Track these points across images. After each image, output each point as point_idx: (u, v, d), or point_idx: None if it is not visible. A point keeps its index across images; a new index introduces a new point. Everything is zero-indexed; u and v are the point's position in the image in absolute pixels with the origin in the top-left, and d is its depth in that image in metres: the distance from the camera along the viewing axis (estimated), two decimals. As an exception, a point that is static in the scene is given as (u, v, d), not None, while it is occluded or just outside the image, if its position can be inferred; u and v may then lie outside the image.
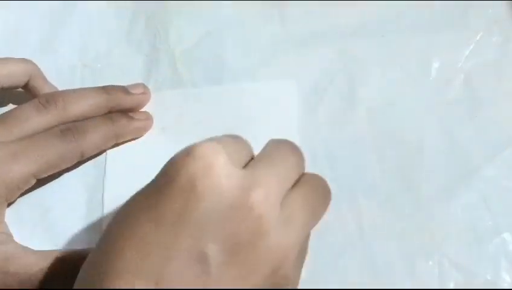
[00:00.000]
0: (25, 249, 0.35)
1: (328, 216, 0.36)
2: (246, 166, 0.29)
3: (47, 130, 0.37)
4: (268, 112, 0.40)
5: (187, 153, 0.27)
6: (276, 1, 0.44)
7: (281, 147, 0.31)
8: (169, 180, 0.27)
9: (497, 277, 0.34)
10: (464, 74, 0.40)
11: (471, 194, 0.36)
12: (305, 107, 0.40)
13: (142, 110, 0.41)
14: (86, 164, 0.39)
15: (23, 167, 0.35)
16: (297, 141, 0.38)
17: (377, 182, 0.37)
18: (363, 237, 0.36)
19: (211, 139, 0.28)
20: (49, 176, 0.37)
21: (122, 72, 0.44)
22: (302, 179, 0.30)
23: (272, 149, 0.30)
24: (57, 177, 0.39)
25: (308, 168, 0.38)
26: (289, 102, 0.40)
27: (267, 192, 0.27)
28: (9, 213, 0.37)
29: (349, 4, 0.43)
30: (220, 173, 0.26)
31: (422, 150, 0.38)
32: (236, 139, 0.31)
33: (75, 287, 0.27)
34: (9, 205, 0.37)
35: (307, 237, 0.31)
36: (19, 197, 0.37)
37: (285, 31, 0.43)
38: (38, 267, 0.34)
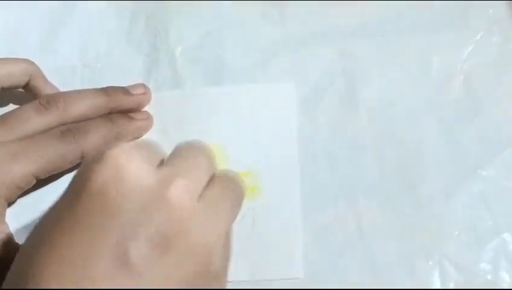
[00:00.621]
0: None
1: (328, 216, 0.37)
2: (160, 165, 0.29)
3: (47, 131, 0.37)
4: (267, 113, 0.40)
5: (98, 159, 0.27)
6: (276, 1, 0.44)
7: (191, 148, 0.31)
8: (82, 188, 0.27)
9: (497, 277, 0.34)
10: (464, 74, 0.40)
11: (471, 194, 0.36)
12: (305, 107, 0.40)
13: (143, 110, 0.41)
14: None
15: (23, 167, 0.35)
16: (295, 144, 0.39)
17: (377, 182, 0.37)
18: (363, 237, 0.36)
19: (121, 145, 0.28)
20: (49, 176, 0.37)
21: (122, 72, 0.44)
22: (215, 177, 0.30)
23: (183, 149, 0.31)
24: (57, 178, 0.38)
25: (308, 168, 0.38)
26: (288, 104, 0.40)
27: (185, 185, 0.27)
28: (10, 213, 0.37)
29: (349, 4, 0.43)
30: (134, 175, 0.27)
31: (422, 150, 0.38)
32: (148, 141, 0.31)
33: (3, 287, 0.28)
34: (9, 205, 0.37)
35: (228, 232, 0.30)
36: (19, 197, 0.37)
37: (285, 31, 0.43)
38: None
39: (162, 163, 0.30)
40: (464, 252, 0.35)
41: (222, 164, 0.33)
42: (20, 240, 0.36)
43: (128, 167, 0.27)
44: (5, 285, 0.27)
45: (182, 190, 0.27)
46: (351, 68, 0.41)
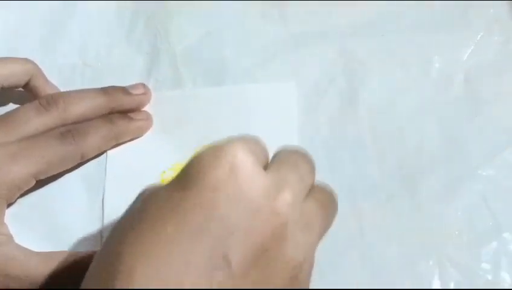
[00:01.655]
0: (26, 251, 0.35)
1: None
2: (267, 169, 0.28)
3: (47, 132, 0.37)
4: (268, 113, 0.40)
5: (214, 152, 0.26)
6: (276, 1, 0.44)
7: (295, 154, 0.30)
8: (195, 181, 0.25)
9: (497, 277, 0.34)
10: (464, 73, 0.40)
11: (471, 194, 0.36)
12: (306, 107, 0.40)
13: (142, 110, 0.41)
14: (86, 164, 0.39)
15: (23, 168, 0.35)
16: (296, 143, 0.38)
17: (377, 182, 0.37)
18: (363, 237, 0.36)
19: (237, 139, 0.27)
20: (49, 176, 0.37)
21: (123, 71, 0.44)
22: (315, 190, 0.30)
23: (288, 155, 0.30)
24: (57, 178, 0.39)
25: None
26: (289, 104, 0.40)
27: (292, 197, 0.26)
28: (9, 213, 0.37)
29: (350, 4, 0.43)
30: (247, 177, 0.26)
31: (422, 150, 0.38)
32: (256, 139, 0.29)
33: (83, 287, 0.26)
34: (8, 205, 0.37)
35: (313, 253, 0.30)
36: (18, 197, 0.37)
37: (286, 31, 0.43)
38: (39, 270, 0.34)
39: (267, 165, 0.29)
40: (464, 252, 0.35)
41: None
42: (19, 240, 0.36)
43: (244, 167, 0.26)
44: (86, 282, 0.26)
45: (288, 203, 0.26)
46: (351, 68, 0.41)
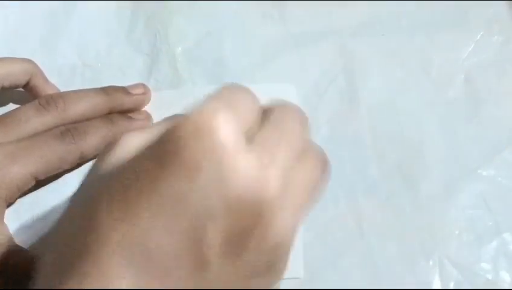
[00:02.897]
0: (25, 252, 0.35)
1: (328, 215, 0.37)
2: (254, 139, 0.25)
3: (47, 132, 0.37)
4: None
5: (194, 131, 0.24)
6: (276, 1, 0.44)
7: (287, 115, 0.27)
8: (172, 160, 0.24)
9: (497, 277, 0.34)
10: (464, 73, 0.40)
11: (471, 194, 0.36)
12: (306, 107, 0.40)
13: (142, 110, 0.41)
14: (86, 164, 0.39)
15: (22, 168, 0.35)
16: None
17: (377, 182, 0.37)
18: (363, 237, 0.36)
19: (221, 107, 0.24)
20: (49, 176, 0.37)
21: (122, 71, 0.44)
22: (307, 153, 0.27)
23: (279, 118, 0.27)
24: (57, 178, 0.39)
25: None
26: None
27: (276, 177, 0.24)
28: (9, 213, 0.37)
29: (350, 4, 0.43)
30: (229, 158, 0.24)
31: (423, 149, 0.38)
32: (244, 94, 0.27)
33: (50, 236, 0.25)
34: (8, 205, 0.37)
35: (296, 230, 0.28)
36: (18, 197, 0.37)
37: (286, 31, 0.43)
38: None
39: (255, 127, 0.26)
40: (464, 252, 0.35)
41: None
42: (19, 240, 0.36)
43: (226, 148, 0.24)
44: (60, 234, 0.25)
45: (273, 184, 0.24)
46: (351, 67, 0.41)
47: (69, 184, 0.39)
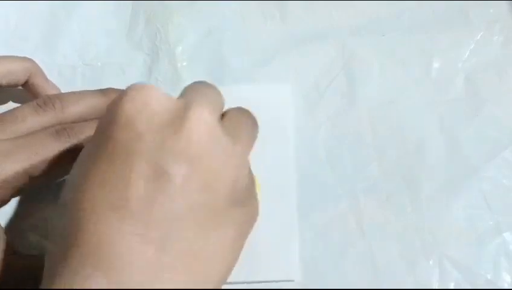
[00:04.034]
0: (18, 256, 0.35)
1: (328, 215, 0.37)
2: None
3: (43, 130, 0.37)
4: (264, 113, 0.40)
5: (121, 93, 0.29)
6: (276, 1, 0.44)
7: (201, 84, 0.33)
8: (111, 122, 0.28)
9: (497, 277, 0.34)
10: (465, 73, 0.40)
11: (471, 194, 0.36)
12: (306, 107, 0.40)
13: None
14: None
15: (15, 164, 0.35)
16: (291, 145, 0.39)
17: (377, 182, 0.37)
18: (363, 237, 0.36)
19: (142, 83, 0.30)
20: (49, 176, 0.37)
21: (123, 70, 0.44)
22: (228, 111, 0.33)
23: (193, 86, 0.32)
24: (53, 177, 0.38)
25: (309, 168, 0.38)
26: (284, 105, 0.40)
27: (201, 107, 0.28)
28: (9, 213, 0.37)
29: (350, 3, 0.43)
30: (154, 102, 0.28)
31: (423, 149, 0.38)
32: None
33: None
34: (3, 203, 0.37)
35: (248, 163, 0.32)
36: (17, 197, 0.37)
37: (286, 30, 0.43)
38: (30, 277, 0.33)
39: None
40: (464, 252, 0.35)
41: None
42: (19, 240, 0.36)
43: (149, 96, 0.28)
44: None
45: (201, 111, 0.28)
46: (351, 67, 0.41)
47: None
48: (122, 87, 0.41)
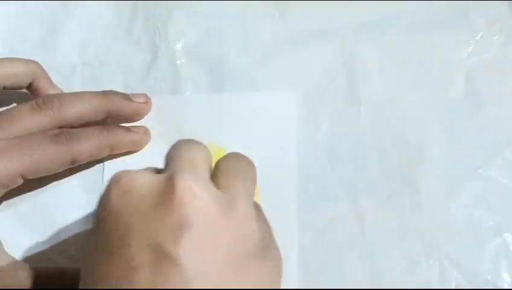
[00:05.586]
0: (16, 263, 0.35)
1: (328, 215, 0.37)
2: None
3: (40, 132, 0.36)
4: (267, 121, 0.40)
5: (111, 179, 0.29)
6: (276, 1, 0.44)
7: (184, 147, 0.31)
8: (101, 209, 0.29)
9: (497, 277, 0.34)
10: (465, 73, 0.40)
11: (471, 194, 0.36)
12: (306, 106, 0.40)
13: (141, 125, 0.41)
14: (84, 173, 0.39)
15: (9, 164, 0.34)
16: (294, 153, 0.38)
17: (378, 182, 0.37)
18: (364, 237, 0.36)
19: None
20: (49, 177, 0.37)
21: (122, 69, 0.44)
22: (221, 161, 0.31)
23: (176, 151, 0.31)
24: (57, 179, 0.38)
25: (309, 168, 0.38)
26: (288, 113, 0.40)
27: (187, 175, 0.28)
28: (9, 213, 0.37)
29: (350, 3, 0.43)
30: (137, 185, 0.28)
31: (423, 149, 0.38)
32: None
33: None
34: None
35: (258, 206, 0.31)
36: (16, 197, 0.37)
37: (286, 30, 0.43)
38: (27, 284, 0.33)
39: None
40: (464, 252, 0.35)
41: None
42: (19, 240, 0.36)
43: (132, 181, 0.28)
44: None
45: (189, 179, 0.27)
46: (352, 67, 0.41)
47: (69, 185, 0.39)
48: (122, 86, 0.42)
